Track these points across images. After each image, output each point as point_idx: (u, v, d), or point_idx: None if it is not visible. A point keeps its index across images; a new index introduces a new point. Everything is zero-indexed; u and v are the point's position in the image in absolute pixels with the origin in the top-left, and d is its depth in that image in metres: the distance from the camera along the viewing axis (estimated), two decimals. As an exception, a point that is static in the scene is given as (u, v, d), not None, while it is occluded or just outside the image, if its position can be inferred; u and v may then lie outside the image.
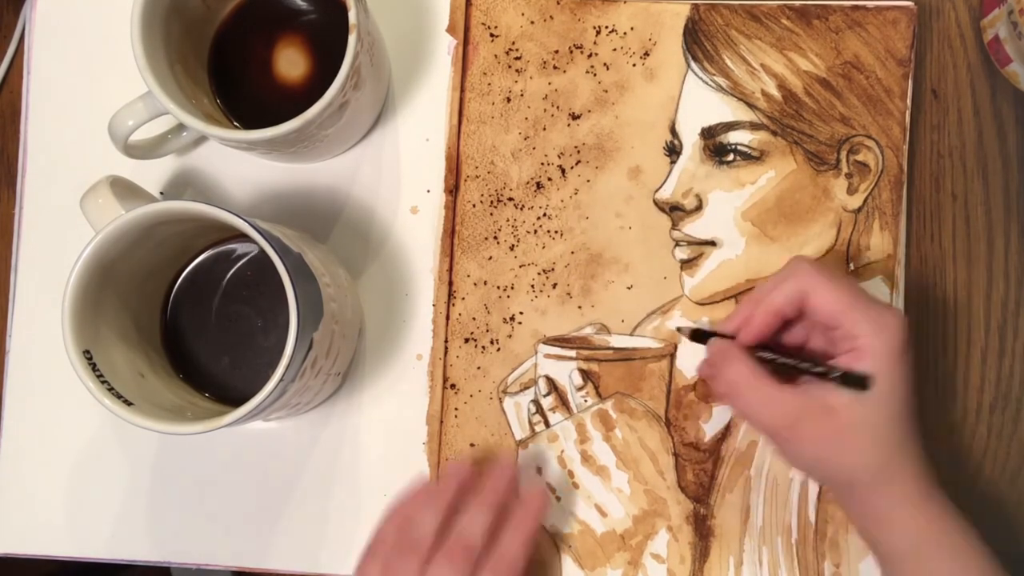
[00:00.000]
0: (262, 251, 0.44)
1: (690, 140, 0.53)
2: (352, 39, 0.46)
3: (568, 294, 0.53)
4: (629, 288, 0.53)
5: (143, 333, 0.49)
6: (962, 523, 0.44)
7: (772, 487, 0.52)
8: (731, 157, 0.53)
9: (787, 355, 0.46)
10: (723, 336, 0.47)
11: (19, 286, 0.56)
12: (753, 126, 0.53)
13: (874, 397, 0.43)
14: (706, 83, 0.53)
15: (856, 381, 0.43)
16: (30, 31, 0.57)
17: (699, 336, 0.49)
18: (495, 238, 0.54)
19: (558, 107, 0.54)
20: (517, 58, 0.55)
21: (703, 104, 0.53)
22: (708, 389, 0.52)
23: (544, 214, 0.54)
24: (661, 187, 0.53)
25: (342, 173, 0.55)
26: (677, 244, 0.53)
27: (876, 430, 0.43)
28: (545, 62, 0.55)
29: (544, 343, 0.53)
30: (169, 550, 0.54)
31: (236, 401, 0.44)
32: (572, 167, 0.54)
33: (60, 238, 0.56)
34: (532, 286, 0.54)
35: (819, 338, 0.47)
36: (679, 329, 0.51)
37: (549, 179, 0.54)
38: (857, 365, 0.43)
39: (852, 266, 0.52)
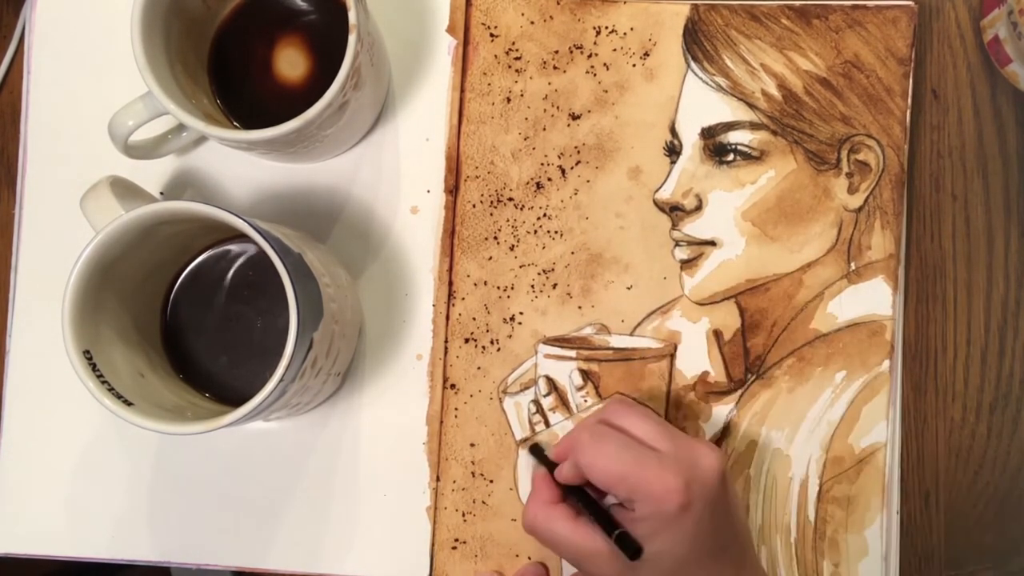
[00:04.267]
0: (262, 251, 0.44)
1: (690, 140, 0.53)
2: (352, 39, 0.46)
3: (568, 294, 0.53)
4: (629, 288, 0.53)
5: (143, 333, 0.49)
6: None
7: (772, 486, 0.52)
8: (731, 157, 0.53)
9: (586, 500, 0.46)
10: (549, 464, 0.49)
11: (19, 286, 0.56)
12: (753, 126, 0.53)
13: (647, 560, 0.43)
14: (706, 83, 0.53)
15: (628, 547, 0.43)
16: (30, 31, 0.57)
17: (535, 453, 0.51)
18: (495, 238, 0.54)
19: (558, 107, 0.54)
20: (517, 58, 0.55)
21: (703, 104, 0.53)
22: (707, 388, 0.52)
23: (544, 214, 0.54)
24: (661, 187, 0.53)
25: (342, 173, 0.55)
26: (677, 244, 0.53)
27: None
28: (545, 62, 0.55)
29: (544, 343, 0.53)
30: (169, 550, 0.54)
31: (236, 401, 0.44)
32: (572, 167, 0.54)
33: (60, 238, 0.56)
34: (532, 286, 0.54)
35: None
36: (529, 449, 0.52)
37: (549, 179, 0.54)
38: (634, 527, 0.44)
39: (853, 266, 0.52)
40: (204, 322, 0.51)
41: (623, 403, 0.47)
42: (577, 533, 0.45)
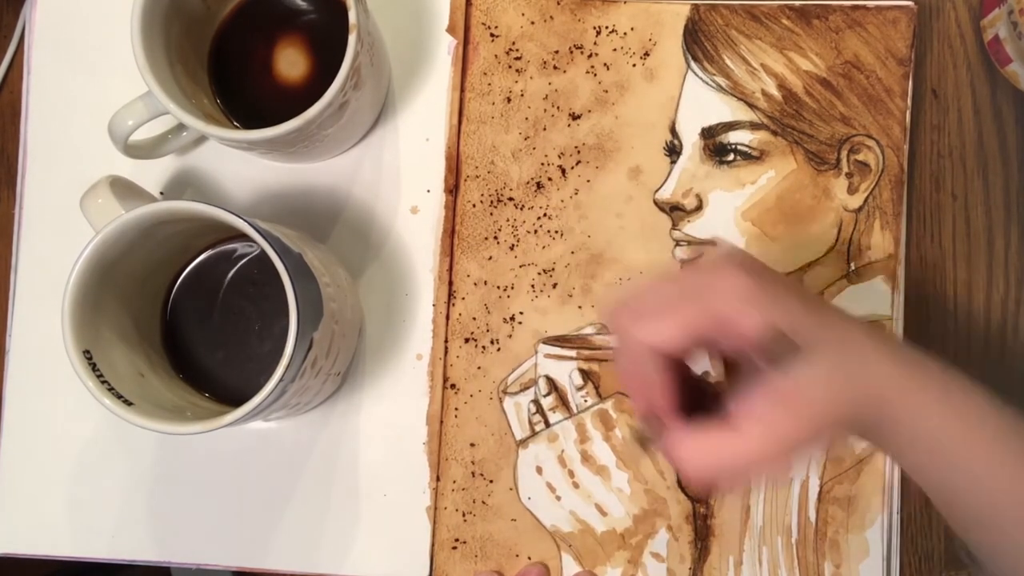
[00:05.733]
0: (262, 251, 0.44)
1: (690, 140, 0.53)
2: (352, 39, 0.46)
3: (568, 294, 0.53)
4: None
5: (143, 333, 0.49)
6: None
7: (772, 487, 0.52)
8: (731, 157, 0.53)
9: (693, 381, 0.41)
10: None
11: (19, 286, 0.56)
12: (753, 126, 0.53)
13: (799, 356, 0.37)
14: (706, 83, 0.53)
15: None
16: (30, 31, 0.57)
17: (641, 440, 0.42)
18: (495, 238, 0.54)
19: (558, 107, 0.54)
20: (517, 58, 0.55)
21: (703, 104, 0.53)
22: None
23: (544, 214, 0.54)
24: (661, 187, 0.53)
25: (342, 173, 0.55)
26: (677, 244, 0.53)
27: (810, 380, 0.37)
28: (545, 62, 0.55)
29: (544, 343, 0.53)
30: (169, 550, 0.54)
31: (236, 401, 0.44)
32: (572, 167, 0.54)
33: (60, 238, 0.56)
34: (532, 286, 0.54)
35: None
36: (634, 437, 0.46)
37: (549, 179, 0.54)
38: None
39: (853, 266, 0.52)
40: (204, 322, 0.51)
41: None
42: (732, 436, 0.37)
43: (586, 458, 0.52)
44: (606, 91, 0.54)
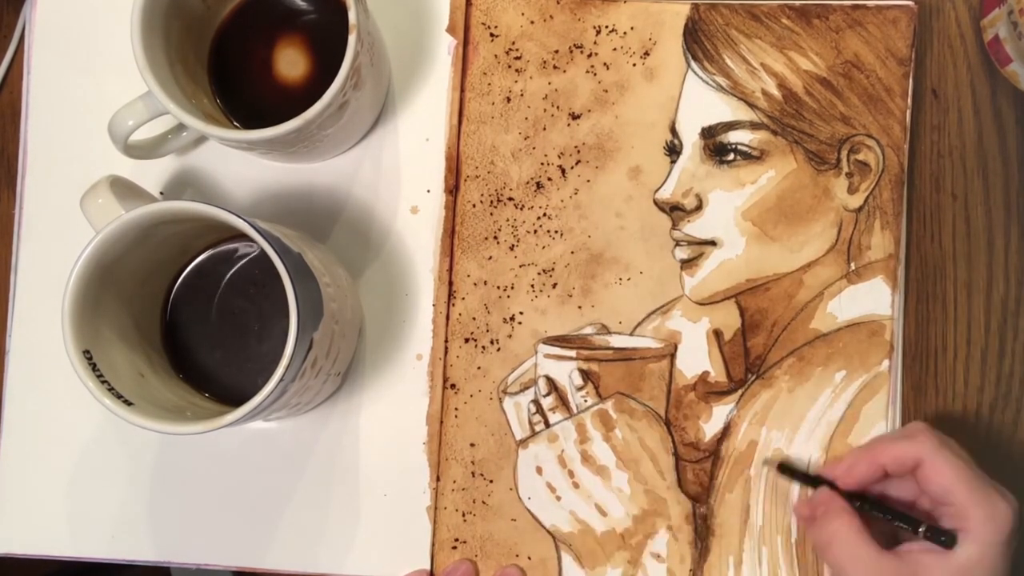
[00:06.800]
0: (262, 251, 0.44)
1: (690, 140, 0.53)
2: (352, 39, 0.46)
3: (568, 294, 0.53)
4: (629, 288, 0.53)
5: (143, 333, 0.49)
6: None
7: (772, 487, 0.52)
8: (731, 157, 0.53)
9: (881, 506, 0.46)
10: (825, 482, 0.47)
11: (19, 286, 0.56)
12: (753, 126, 0.53)
13: (965, 567, 0.42)
14: (706, 83, 0.53)
15: (942, 537, 0.43)
16: (30, 31, 0.57)
17: (788, 471, 0.49)
18: (495, 238, 0.54)
19: (558, 107, 0.54)
20: (517, 58, 0.55)
21: (703, 104, 0.53)
22: (708, 388, 0.52)
23: (544, 214, 0.54)
24: (661, 187, 0.53)
25: (342, 173, 0.55)
26: (677, 244, 0.53)
27: None
28: (545, 62, 0.55)
29: (544, 343, 0.53)
30: (169, 550, 0.54)
31: (236, 401, 0.44)
32: (572, 167, 0.54)
33: (60, 238, 0.56)
34: (532, 286, 0.54)
35: (926, 502, 0.46)
36: (765, 461, 0.51)
37: (549, 179, 0.54)
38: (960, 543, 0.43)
39: (853, 266, 0.52)
40: (204, 322, 0.51)
41: (930, 436, 0.45)
42: (884, 560, 0.44)
43: (586, 458, 0.52)
44: (606, 91, 0.54)
